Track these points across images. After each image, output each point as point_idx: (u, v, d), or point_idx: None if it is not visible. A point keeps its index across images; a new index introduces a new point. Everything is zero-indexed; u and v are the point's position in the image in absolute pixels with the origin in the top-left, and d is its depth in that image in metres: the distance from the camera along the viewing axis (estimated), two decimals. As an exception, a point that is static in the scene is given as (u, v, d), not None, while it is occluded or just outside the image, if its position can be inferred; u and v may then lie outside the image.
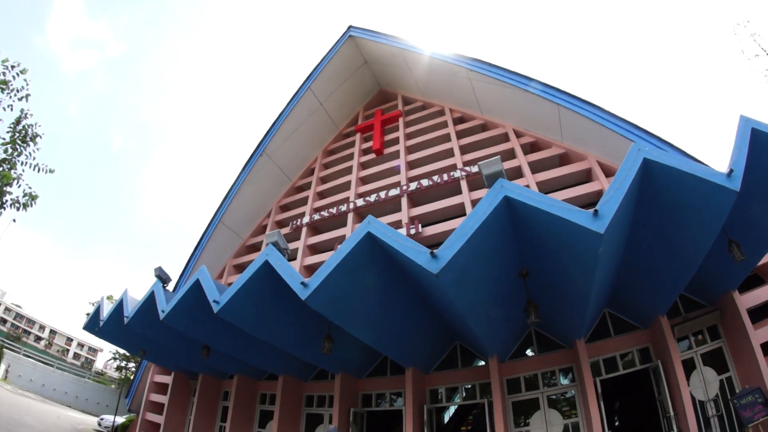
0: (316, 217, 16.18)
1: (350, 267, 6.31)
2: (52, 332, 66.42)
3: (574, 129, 13.31)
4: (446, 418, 15.82)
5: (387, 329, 8.30)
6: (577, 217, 5.51)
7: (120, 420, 21.46)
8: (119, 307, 11.68)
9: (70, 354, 66.38)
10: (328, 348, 8.24)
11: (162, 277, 10.62)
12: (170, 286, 11.43)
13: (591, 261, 6.11)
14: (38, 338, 61.65)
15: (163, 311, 9.24)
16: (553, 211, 5.64)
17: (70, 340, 68.52)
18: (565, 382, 9.92)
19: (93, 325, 13.27)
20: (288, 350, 9.46)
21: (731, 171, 5.63)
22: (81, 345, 70.01)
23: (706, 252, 6.91)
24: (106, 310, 12.65)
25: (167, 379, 16.36)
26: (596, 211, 5.43)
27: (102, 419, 24.66)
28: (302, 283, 6.40)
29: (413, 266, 5.92)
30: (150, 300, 10.09)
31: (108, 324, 12.44)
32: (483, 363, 10.52)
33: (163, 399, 16.06)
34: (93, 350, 69.58)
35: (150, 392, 17.21)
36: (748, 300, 9.47)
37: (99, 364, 60.29)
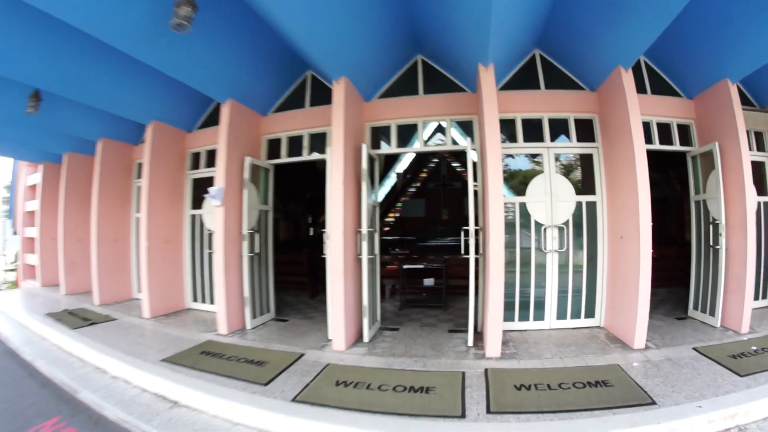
0: None
1: None
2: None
3: None
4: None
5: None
6: None
7: (13, 251, 17.09)
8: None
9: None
10: (186, 18, 3.81)
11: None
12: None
13: None
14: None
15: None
16: None
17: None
18: (575, 140, 6.22)
19: None
20: (121, 47, 4.86)
21: None
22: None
23: None
24: None
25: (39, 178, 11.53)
26: None
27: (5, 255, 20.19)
28: None
29: None
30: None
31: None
32: (459, 91, 6.49)
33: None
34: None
35: (25, 202, 12.41)
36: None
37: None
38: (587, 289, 6.03)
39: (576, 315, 6.02)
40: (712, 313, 5.84)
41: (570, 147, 6.18)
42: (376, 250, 6.12)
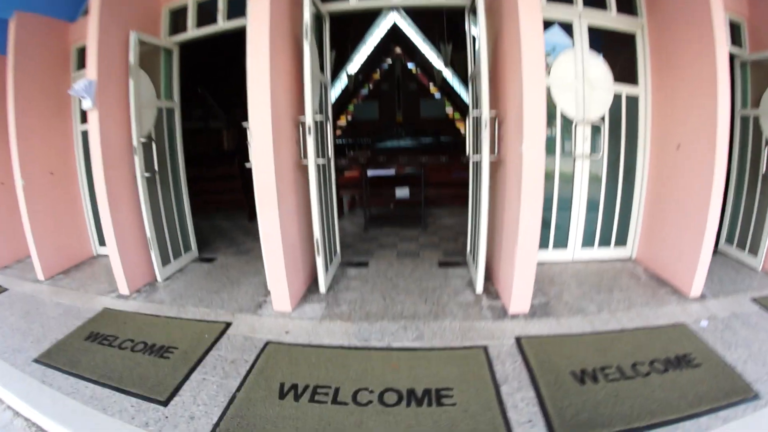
0: None
1: None
2: None
3: None
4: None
5: None
6: None
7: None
8: None
9: None
10: None
11: None
12: None
13: None
14: None
15: None
16: None
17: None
18: (614, 11, 4.17)
19: None
20: None
21: None
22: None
23: None
24: None
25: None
26: None
27: None
28: None
29: None
30: None
31: None
32: None
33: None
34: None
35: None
36: None
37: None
38: (621, 210, 4.39)
39: (605, 242, 4.45)
40: (753, 252, 4.32)
41: (607, 18, 4.14)
42: (330, 152, 4.06)
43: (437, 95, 17.90)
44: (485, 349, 2.85)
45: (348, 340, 3.05)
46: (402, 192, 5.99)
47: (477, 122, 3.42)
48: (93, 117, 3.82)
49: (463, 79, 14.02)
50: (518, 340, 2.94)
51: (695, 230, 3.50)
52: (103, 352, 3.04)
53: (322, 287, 3.80)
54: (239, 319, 3.41)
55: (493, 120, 3.37)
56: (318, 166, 3.64)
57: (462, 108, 15.37)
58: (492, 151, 3.41)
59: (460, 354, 2.81)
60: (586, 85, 4.05)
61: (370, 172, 6.05)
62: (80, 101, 3.89)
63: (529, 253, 3.17)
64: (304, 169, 3.74)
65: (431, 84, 17.97)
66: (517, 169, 3.11)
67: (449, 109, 16.24)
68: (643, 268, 4.19)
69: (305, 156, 3.58)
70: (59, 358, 3.00)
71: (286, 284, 3.44)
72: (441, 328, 3.13)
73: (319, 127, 3.71)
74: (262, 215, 3.38)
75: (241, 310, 3.54)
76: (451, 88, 15.52)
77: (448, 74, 14.95)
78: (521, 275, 3.22)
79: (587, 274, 4.03)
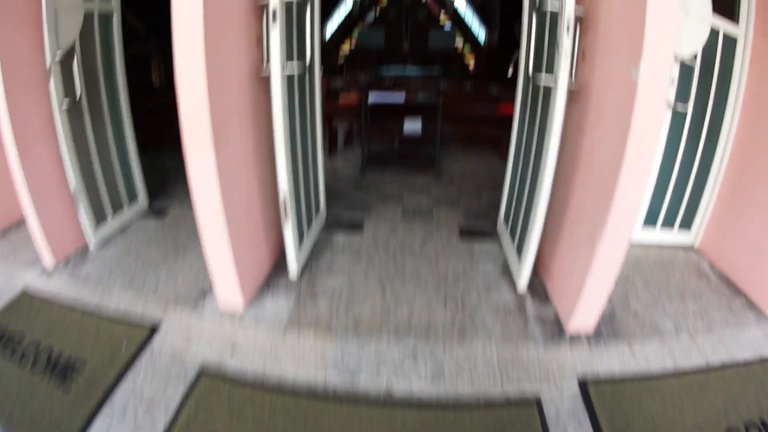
0: None
1: None
2: None
3: None
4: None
5: None
6: None
7: None
8: None
9: None
10: None
11: None
12: None
13: None
14: None
15: None
16: None
17: None
18: None
19: None
20: None
21: None
22: None
23: None
24: None
25: None
26: None
27: None
28: None
29: None
30: None
31: None
32: None
33: None
34: None
35: None
36: None
37: None
38: (695, 183, 3.06)
39: (669, 224, 3.21)
40: None
41: None
42: (313, 52, 2.70)
43: (447, 25, 16.38)
44: (538, 403, 1.79)
45: (324, 374, 1.97)
46: (412, 125, 4.66)
47: (546, 22, 2.09)
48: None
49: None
50: (583, 385, 1.89)
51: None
52: (2, 368, 1.99)
53: (293, 272, 2.65)
54: (171, 319, 2.31)
55: (577, 22, 2.03)
56: (289, 78, 2.30)
57: (472, 41, 13.78)
58: (570, 72, 2.09)
59: (499, 417, 1.73)
60: (679, 7, 2.64)
61: (373, 97, 4.64)
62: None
63: (617, 247, 1.95)
64: (264, 83, 2.37)
65: (442, 11, 16.43)
66: (615, 107, 1.84)
67: (459, 42, 14.76)
68: (708, 263, 2.98)
69: (269, 58, 2.18)
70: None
71: (234, 271, 2.23)
72: (471, 358, 2.05)
73: (296, 12, 2.33)
74: (191, 164, 2.04)
75: (177, 301, 2.43)
76: (462, 20, 13.86)
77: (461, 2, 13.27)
78: (598, 278, 2.03)
79: (650, 267, 2.88)
